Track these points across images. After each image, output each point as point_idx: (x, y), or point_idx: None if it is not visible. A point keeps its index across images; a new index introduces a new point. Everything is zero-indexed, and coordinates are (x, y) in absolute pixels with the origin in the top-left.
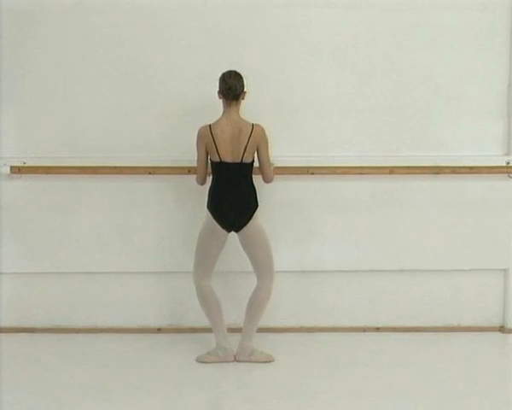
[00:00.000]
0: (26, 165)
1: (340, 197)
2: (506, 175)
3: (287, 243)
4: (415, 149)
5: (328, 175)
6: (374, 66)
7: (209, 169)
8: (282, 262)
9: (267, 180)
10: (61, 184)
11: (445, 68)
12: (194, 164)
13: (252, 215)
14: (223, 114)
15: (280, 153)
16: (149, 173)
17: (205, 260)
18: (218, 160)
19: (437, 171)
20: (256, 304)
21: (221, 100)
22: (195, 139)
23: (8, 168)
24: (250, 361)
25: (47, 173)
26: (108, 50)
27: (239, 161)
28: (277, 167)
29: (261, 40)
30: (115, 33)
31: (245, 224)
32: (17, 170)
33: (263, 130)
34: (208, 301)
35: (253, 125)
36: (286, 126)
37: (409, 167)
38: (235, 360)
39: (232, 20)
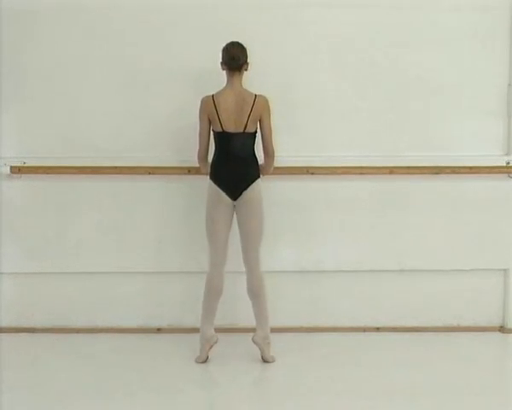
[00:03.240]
0: (26, 165)
1: (340, 197)
2: (506, 175)
3: (287, 243)
4: (415, 149)
5: (328, 175)
6: (374, 66)
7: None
8: (282, 262)
9: (269, 153)
10: (61, 184)
11: (445, 68)
12: (195, 164)
13: (254, 181)
14: (226, 85)
15: (280, 153)
16: (149, 173)
17: (215, 236)
18: (220, 129)
19: (437, 171)
20: (256, 294)
21: (224, 71)
22: (198, 109)
23: (8, 168)
24: (262, 347)
25: (47, 173)
26: (108, 50)
27: (242, 130)
28: (277, 167)
29: (261, 40)
30: (116, 33)
31: (246, 187)
32: (17, 170)
33: (266, 100)
34: (209, 285)
35: (255, 95)
36: (286, 126)
37: (409, 167)
38: (252, 340)
39: (232, 20)
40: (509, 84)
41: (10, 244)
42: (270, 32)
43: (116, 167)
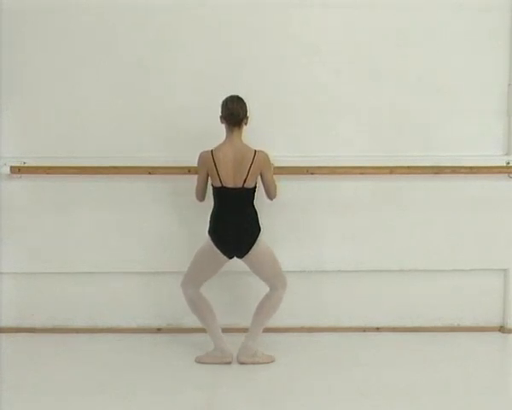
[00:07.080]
0: (26, 165)
1: (340, 197)
2: (506, 175)
3: (287, 243)
4: (415, 149)
5: (328, 175)
6: (374, 66)
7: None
8: (283, 262)
9: (271, 199)
10: (61, 184)
11: (445, 68)
12: (194, 164)
13: (254, 242)
14: (225, 140)
15: (280, 153)
16: (149, 173)
17: (198, 277)
18: (219, 185)
19: (437, 171)
20: (266, 309)
21: (223, 125)
22: (197, 161)
23: (8, 168)
24: (253, 363)
25: (47, 173)
26: (108, 50)
27: (241, 186)
28: (277, 167)
29: (261, 40)
30: (115, 33)
31: (247, 251)
32: (17, 170)
33: (266, 155)
34: (198, 306)
35: (255, 151)
36: (286, 126)
37: (409, 167)
38: (238, 361)
39: (232, 20)
40: (509, 84)
41: (10, 244)
42: (270, 32)
43: (116, 167)
